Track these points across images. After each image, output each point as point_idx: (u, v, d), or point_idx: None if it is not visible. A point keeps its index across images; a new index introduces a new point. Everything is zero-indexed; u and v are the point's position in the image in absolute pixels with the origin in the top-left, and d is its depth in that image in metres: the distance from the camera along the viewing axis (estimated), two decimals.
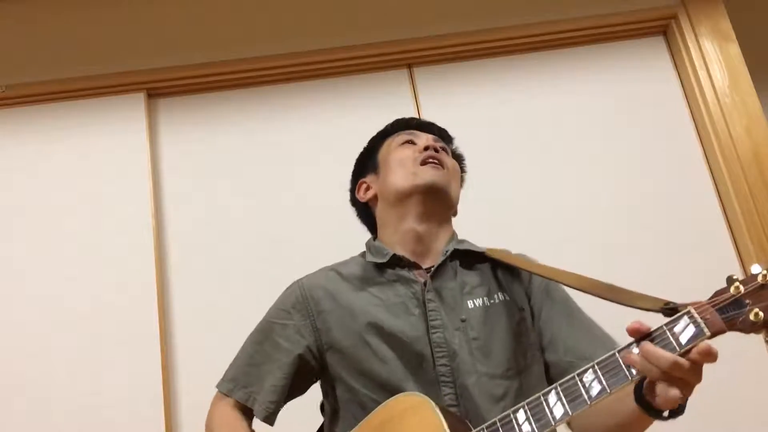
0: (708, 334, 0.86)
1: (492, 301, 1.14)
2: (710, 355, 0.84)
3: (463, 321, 1.11)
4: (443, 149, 1.25)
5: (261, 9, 2.17)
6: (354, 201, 1.34)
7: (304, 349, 1.14)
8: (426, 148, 1.21)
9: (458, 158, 1.33)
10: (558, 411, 0.91)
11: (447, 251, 1.18)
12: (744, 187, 1.96)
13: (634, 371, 0.88)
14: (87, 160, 2.01)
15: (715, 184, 2.03)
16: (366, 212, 1.33)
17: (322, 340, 1.14)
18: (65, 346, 1.83)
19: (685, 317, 0.88)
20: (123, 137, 2.02)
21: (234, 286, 1.91)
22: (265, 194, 2.01)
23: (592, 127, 2.09)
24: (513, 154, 2.06)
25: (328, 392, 1.17)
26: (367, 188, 1.30)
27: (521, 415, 0.93)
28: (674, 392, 0.86)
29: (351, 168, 2.01)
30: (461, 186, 1.31)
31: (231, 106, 2.10)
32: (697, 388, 0.88)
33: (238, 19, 2.16)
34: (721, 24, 2.14)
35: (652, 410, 0.92)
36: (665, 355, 0.85)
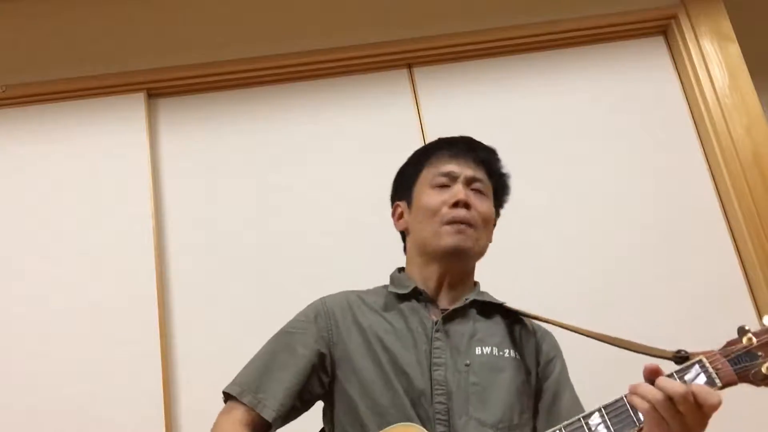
0: (719, 384, 0.87)
1: (501, 354, 1.15)
2: (716, 405, 0.84)
3: (467, 365, 1.11)
4: (478, 191, 1.23)
5: (261, 9, 2.17)
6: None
7: (319, 357, 1.15)
8: (456, 204, 1.19)
9: (501, 183, 1.32)
10: None
11: (467, 299, 1.20)
12: (744, 187, 1.96)
13: (641, 416, 0.87)
14: (87, 160, 2.00)
15: (715, 184, 2.03)
16: (403, 236, 1.34)
17: (336, 353, 1.15)
18: (65, 346, 1.83)
19: (697, 366, 0.88)
20: (123, 137, 2.02)
21: (234, 286, 1.91)
22: (265, 194, 2.01)
23: (592, 127, 2.08)
24: (513, 154, 2.04)
25: (327, 412, 1.17)
26: (401, 215, 1.31)
27: None
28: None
29: (351, 168, 2.03)
30: (501, 207, 1.33)
31: (231, 106, 2.10)
32: None
33: (238, 19, 2.16)
34: (721, 24, 2.14)
35: None
36: (679, 385, 0.85)
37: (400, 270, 1.31)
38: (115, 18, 2.15)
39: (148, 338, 1.83)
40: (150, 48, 2.11)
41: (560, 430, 0.91)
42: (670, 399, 0.84)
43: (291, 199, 2.00)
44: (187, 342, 1.87)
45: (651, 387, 0.87)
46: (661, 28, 2.19)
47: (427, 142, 1.99)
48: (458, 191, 1.20)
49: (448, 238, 1.17)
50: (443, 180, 1.22)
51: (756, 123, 2.02)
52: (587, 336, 1.14)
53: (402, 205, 1.30)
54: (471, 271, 1.27)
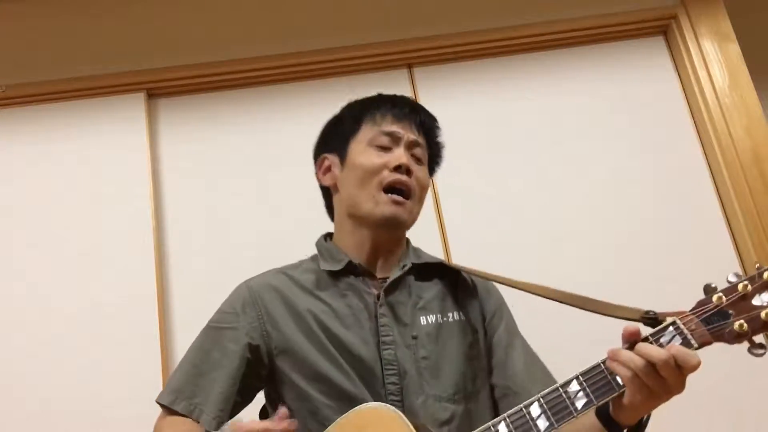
0: (695, 345, 0.87)
1: (445, 319, 1.11)
2: (695, 365, 0.85)
3: (414, 338, 1.08)
4: (417, 160, 1.17)
5: (261, 9, 2.17)
6: (316, 175, 1.26)
7: (253, 352, 1.09)
8: (397, 168, 1.12)
9: (437, 152, 1.25)
10: (542, 424, 0.88)
11: (404, 265, 1.14)
12: (744, 187, 1.96)
13: (621, 381, 0.87)
14: (87, 160, 2.01)
15: (715, 184, 2.03)
16: (325, 193, 1.26)
17: (272, 344, 1.09)
18: (65, 346, 1.83)
19: (671, 328, 0.89)
20: (123, 137, 2.02)
21: (234, 286, 1.90)
22: (265, 194, 2.01)
23: (592, 127, 2.08)
24: (512, 154, 2.06)
25: (274, 399, 1.12)
26: (328, 169, 1.21)
27: (503, 428, 0.91)
28: (650, 396, 0.86)
29: None
30: (432, 175, 1.26)
31: (231, 106, 2.10)
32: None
33: (238, 19, 2.16)
34: (721, 24, 2.14)
35: (613, 425, 0.92)
36: (659, 350, 0.85)
37: (326, 237, 1.23)
38: (116, 18, 2.14)
39: (148, 338, 1.83)
40: (150, 48, 2.11)
41: (539, 400, 0.90)
42: (651, 365, 0.85)
43: (291, 199, 2.00)
44: (187, 342, 1.85)
45: (631, 354, 0.86)
46: (661, 28, 2.19)
47: None
48: (401, 155, 1.13)
49: (385, 208, 1.11)
50: (385, 141, 1.15)
51: (756, 123, 2.02)
52: (546, 297, 1.10)
53: (331, 158, 1.20)
54: (403, 235, 1.21)
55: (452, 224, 1.95)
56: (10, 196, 1.97)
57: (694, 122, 2.09)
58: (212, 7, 2.17)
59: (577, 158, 2.05)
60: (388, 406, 0.96)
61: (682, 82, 2.14)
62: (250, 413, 1.15)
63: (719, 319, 0.88)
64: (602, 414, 0.93)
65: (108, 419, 1.76)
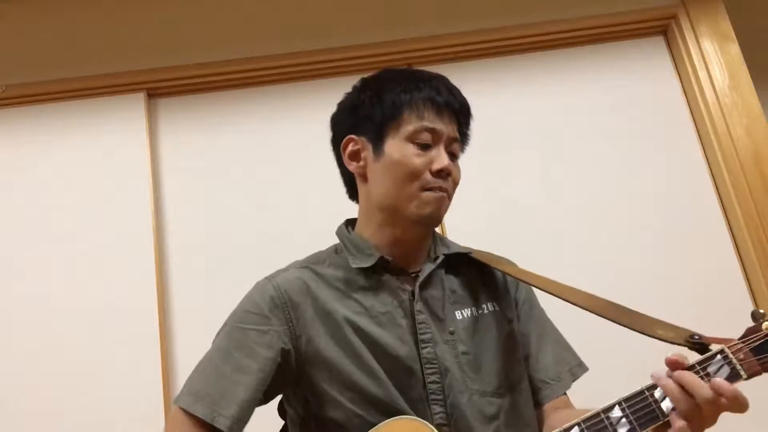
0: (744, 377, 0.83)
1: (480, 312, 1.08)
2: (743, 405, 0.82)
3: (451, 333, 1.04)
4: (453, 156, 1.11)
5: (261, 9, 2.17)
6: (337, 152, 1.18)
7: (284, 356, 1.02)
8: (439, 172, 1.06)
9: (466, 142, 1.18)
10: None
11: (437, 258, 1.10)
12: (744, 187, 1.96)
13: (665, 409, 0.84)
14: (87, 160, 2.01)
15: (715, 184, 2.03)
16: (348, 176, 1.18)
17: (302, 349, 1.03)
18: (65, 346, 1.83)
19: (719, 357, 0.85)
20: (123, 137, 2.02)
21: (234, 286, 1.89)
22: (265, 194, 2.01)
23: (592, 127, 2.08)
24: (512, 154, 2.06)
25: (299, 404, 1.06)
26: (356, 154, 1.13)
27: None
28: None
29: None
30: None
31: (231, 106, 2.10)
32: None
33: (238, 19, 2.16)
34: (721, 24, 2.14)
35: None
36: (705, 387, 0.81)
37: (348, 225, 1.18)
38: (115, 18, 2.15)
39: (148, 338, 1.83)
40: (150, 48, 2.11)
41: (579, 424, 0.87)
42: (696, 404, 0.81)
43: (291, 199, 2.00)
44: (187, 342, 1.87)
45: (677, 389, 0.83)
46: (661, 28, 2.19)
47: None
48: (443, 158, 1.07)
49: (428, 207, 1.05)
50: (427, 138, 1.07)
51: (756, 123, 2.02)
52: (584, 309, 1.03)
53: (361, 142, 1.11)
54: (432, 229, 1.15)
55: (452, 224, 1.94)
56: (10, 196, 1.97)
57: (694, 122, 2.09)
58: (212, 7, 2.17)
59: (577, 158, 2.05)
60: (418, 419, 0.94)
61: (682, 82, 2.14)
62: (266, 410, 1.12)
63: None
64: None
65: (108, 419, 1.76)
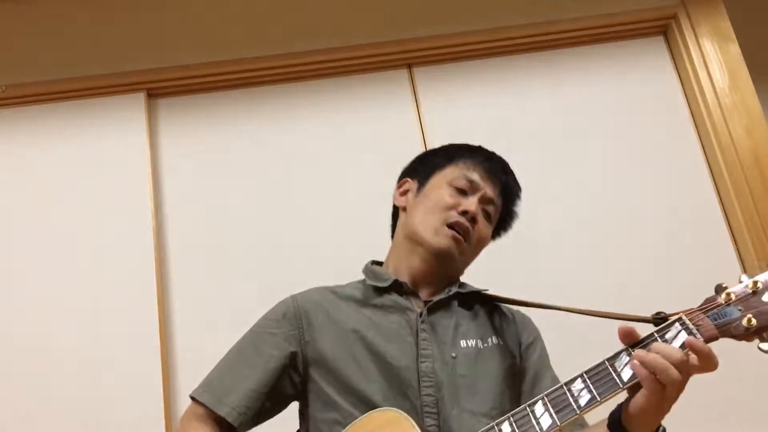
0: (701, 340, 0.86)
1: (485, 345, 1.14)
2: (710, 358, 0.85)
3: (453, 357, 1.09)
4: (486, 215, 1.22)
5: (260, 9, 2.17)
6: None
7: (289, 357, 1.11)
8: (464, 213, 1.17)
9: (509, 217, 1.29)
10: (545, 422, 0.88)
11: (449, 291, 1.18)
12: (744, 187, 1.96)
13: (625, 378, 0.87)
14: (87, 160, 2.01)
15: (715, 184, 2.03)
16: (395, 212, 1.31)
17: (308, 353, 1.12)
18: (65, 346, 1.83)
19: (677, 324, 0.88)
20: (123, 137, 2.02)
21: (234, 286, 1.91)
22: (265, 194, 2.01)
23: (592, 127, 2.08)
24: (512, 154, 2.04)
25: (305, 408, 1.13)
26: (405, 192, 1.28)
27: (506, 427, 0.92)
28: (663, 398, 0.85)
29: (351, 167, 2.02)
30: (494, 239, 1.30)
31: (231, 106, 2.10)
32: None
33: (238, 19, 2.16)
34: (721, 24, 2.14)
35: None
36: (676, 350, 0.85)
37: (375, 263, 1.27)
38: (115, 18, 2.15)
39: (148, 338, 1.83)
40: (150, 48, 2.11)
41: (543, 398, 0.90)
42: (669, 364, 0.84)
43: (291, 199, 2.00)
44: (187, 342, 1.87)
45: (655, 356, 0.86)
46: (661, 28, 2.19)
47: (427, 143, 1.98)
48: (472, 203, 1.19)
49: (443, 240, 1.16)
50: (465, 185, 1.20)
51: (756, 123, 2.02)
52: (563, 311, 1.16)
53: (411, 183, 1.27)
54: (455, 272, 1.24)
55: None
56: (10, 196, 1.97)
57: (694, 122, 2.09)
58: (212, 7, 2.17)
59: (577, 158, 2.05)
60: (398, 410, 0.98)
61: (682, 82, 2.14)
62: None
63: (727, 314, 0.88)
64: (615, 427, 0.93)
65: (108, 419, 1.76)
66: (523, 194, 2.01)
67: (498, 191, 1.24)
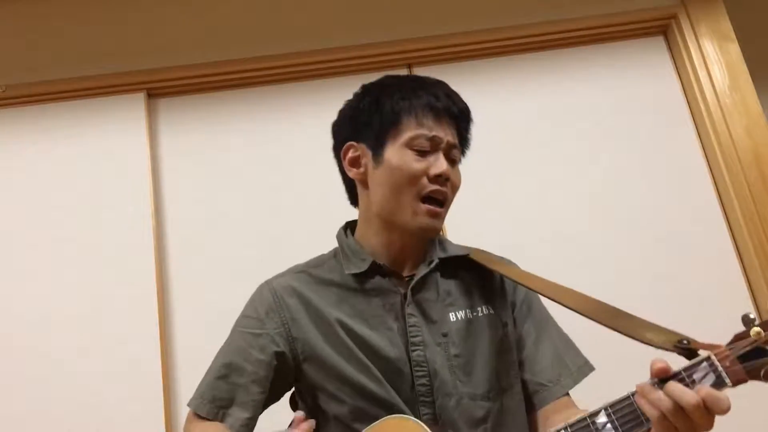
0: (729, 384, 0.83)
1: (475, 314, 1.09)
2: (726, 410, 0.81)
3: (444, 335, 1.05)
4: (452, 162, 1.11)
5: (261, 9, 2.17)
6: (338, 158, 1.19)
7: (280, 359, 1.07)
8: (437, 177, 1.06)
9: (466, 147, 1.17)
10: None
11: (431, 261, 1.10)
12: (744, 187, 1.96)
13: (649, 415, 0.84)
14: (87, 160, 2.01)
15: (715, 184, 2.03)
16: (348, 182, 1.19)
17: (298, 349, 1.07)
18: (65, 346, 1.83)
19: (705, 364, 0.84)
20: (123, 137, 2.02)
21: (234, 286, 1.91)
22: (265, 194, 2.01)
23: (592, 127, 2.09)
24: (512, 154, 2.06)
25: (308, 397, 1.10)
26: (355, 160, 1.13)
27: None
28: None
29: None
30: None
31: (231, 106, 2.10)
32: None
33: (237, 19, 2.16)
34: (721, 24, 2.14)
35: None
36: (690, 394, 0.81)
37: (346, 230, 1.19)
38: (115, 18, 2.15)
39: (148, 338, 1.83)
40: (150, 48, 2.11)
41: (566, 428, 0.88)
42: (681, 408, 0.81)
43: (290, 199, 2.00)
44: (187, 342, 1.87)
45: (661, 394, 0.83)
46: (661, 28, 2.19)
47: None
48: (441, 163, 1.07)
49: (423, 219, 1.06)
50: (426, 145, 1.07)
51: (756, 123, 2.02)
52: (574, 311, 1.03)
53: (361, 149, 1.12)
54: (433, 236, 1.15)
55: (452, 224, 1.94)
56: (11, 196, 1.97)
57: (694, 122, 2.09)
58: (212, 7, 2.17)
59: (577, 158, 2.05)
60: (414, 418, 0.95)
61: (682, 82, 2.14)
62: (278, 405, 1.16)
63: (756, 356, 0.84)
64: None
65: (108, 419, 1.77)
66: (523, 194, 2.03)
67: (453, 128, 1.11)
